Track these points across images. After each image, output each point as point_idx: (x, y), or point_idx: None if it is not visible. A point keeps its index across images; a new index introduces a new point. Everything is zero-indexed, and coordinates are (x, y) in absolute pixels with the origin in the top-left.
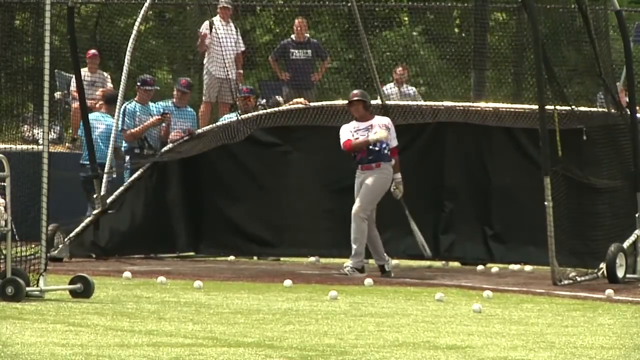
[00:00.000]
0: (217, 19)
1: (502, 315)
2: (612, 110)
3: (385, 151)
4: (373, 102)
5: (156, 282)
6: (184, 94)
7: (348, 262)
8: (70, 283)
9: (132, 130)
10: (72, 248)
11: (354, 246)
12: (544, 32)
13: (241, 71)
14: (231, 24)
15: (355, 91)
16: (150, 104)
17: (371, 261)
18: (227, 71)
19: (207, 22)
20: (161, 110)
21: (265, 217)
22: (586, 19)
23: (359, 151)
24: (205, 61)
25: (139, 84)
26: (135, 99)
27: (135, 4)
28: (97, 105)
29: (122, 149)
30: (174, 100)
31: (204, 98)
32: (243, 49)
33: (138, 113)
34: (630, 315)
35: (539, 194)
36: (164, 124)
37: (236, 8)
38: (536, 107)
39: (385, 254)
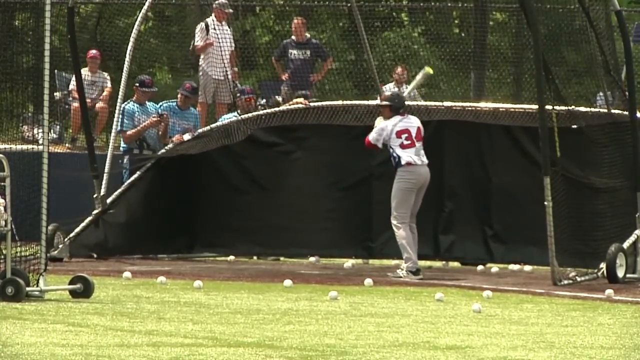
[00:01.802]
0: (211, 19)
1: (502, 315)
2: (613, 110)
3: (395, 160)
4: (373, 102)
5: (156, 282)
6: (188, 97)
7: (402, 266)
8: (70, 283)
9: (131, 132)
10: (72, 248)
11: (403, 252)
12: (543, 32)
13: (236, 69)
14: (225, 25)
15: (385, 93)
16: (149, 103)
17: (371, 261)
18: (226, 71)
19: (202, 24)
20: (160, 111)
21: (266, 217)
22: (589, 17)
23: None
24: (200, 62)
25: (137, 84)
26: (133, 99)
27: (135, 4)
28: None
29: (121, 149)
30: (178, 102)
31: (199, 99)
32: (233, 47)
33: (137, 113)
34: (630, 315)
35: (539, 193)
36: (162, 124)
37: (236, 8)
38: (536, 107)
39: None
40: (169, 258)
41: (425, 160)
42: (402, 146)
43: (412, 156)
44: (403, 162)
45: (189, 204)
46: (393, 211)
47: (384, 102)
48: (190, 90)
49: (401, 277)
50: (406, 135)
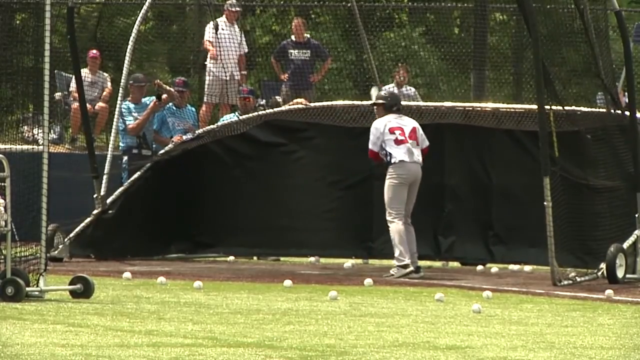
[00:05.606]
0: (222, 20)
1: (501, 316)
2: (612, 110)
3: (387, 158)
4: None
5: (156, 282)
6: (183, 92)
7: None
8: (70, 283)
9: (133, 124)
10: (72, 248)
11: (395, 249)
12: (543, 32)
13: (245, 72)
14: (235, 26)
15: (380, 92)
16: (145, 99)
17: (371, 261)
18: (232, 72)
19: (211, 23)
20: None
21: (266, 217)
22: (583, 18)
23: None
24: (208, 61)
25: (131, 82)
26: (129, 98)
27: (135, 4)
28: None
29: (120, 149)
30: (175, 101)
31: (205, 99)
32: (246, 50)
33: (133, 111)
34: (630, 315)
35: (539, 194)
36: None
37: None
38: (535, 107)
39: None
40: (169, 258)
41: (419, 159)
42: (396, 142)
43: (404, 153)
44: (394, 160)
45: (189, 204)
46: (387, 208)
47: (378, 101)
48: (183, 85)
49: (393, 275)
50: (399, 131)
